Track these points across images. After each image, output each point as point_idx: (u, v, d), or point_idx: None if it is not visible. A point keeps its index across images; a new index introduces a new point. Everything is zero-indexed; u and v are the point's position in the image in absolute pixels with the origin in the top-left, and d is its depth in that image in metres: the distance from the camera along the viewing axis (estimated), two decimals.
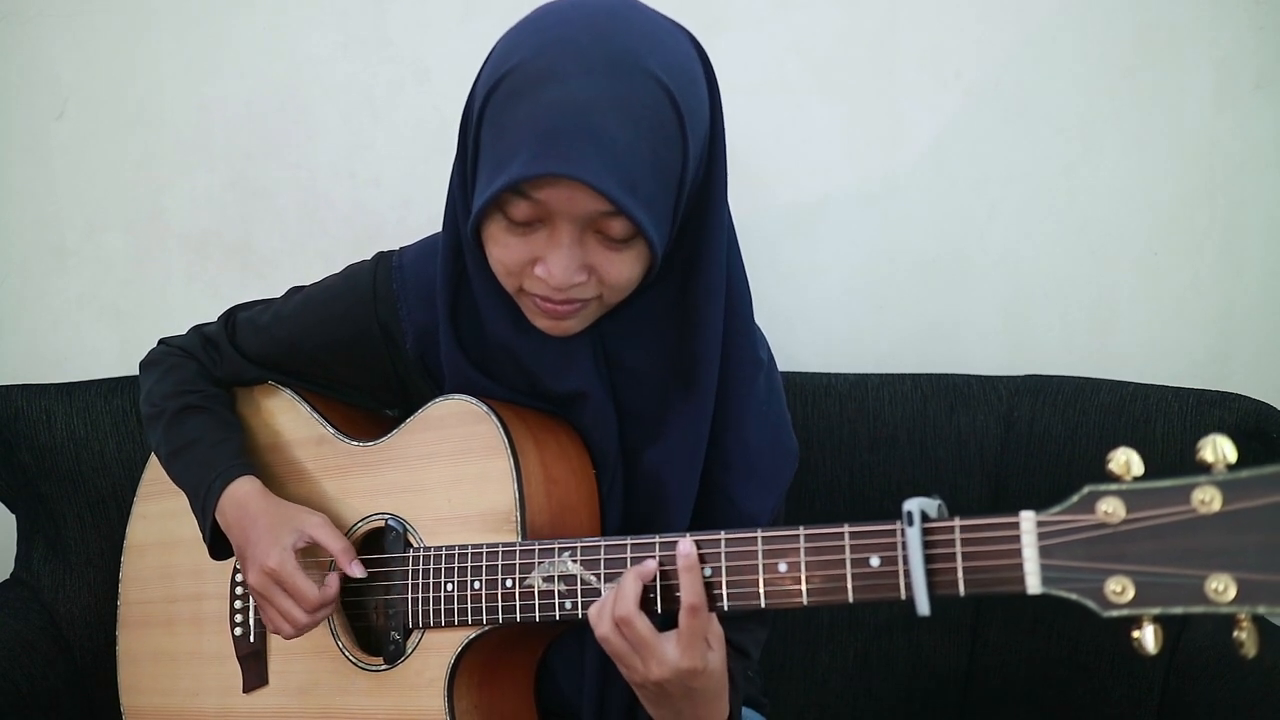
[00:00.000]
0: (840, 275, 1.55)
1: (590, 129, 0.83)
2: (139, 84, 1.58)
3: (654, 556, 0.90)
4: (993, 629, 1.42)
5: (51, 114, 1.60)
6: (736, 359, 1.03)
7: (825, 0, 1.49)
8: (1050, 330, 1.54)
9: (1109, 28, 1.46)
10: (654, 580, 0.90)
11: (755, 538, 0.87)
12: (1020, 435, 1.38)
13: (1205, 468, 0.69)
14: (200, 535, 1.13)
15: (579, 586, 0.95)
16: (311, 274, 1.20)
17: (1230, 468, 0.68)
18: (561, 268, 0.89)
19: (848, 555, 0.83)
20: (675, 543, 0.89)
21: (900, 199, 1.53)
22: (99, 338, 1.64)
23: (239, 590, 1.18)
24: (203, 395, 1.18)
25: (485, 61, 0.93)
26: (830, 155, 1.53)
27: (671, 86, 0.87)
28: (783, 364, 1.12)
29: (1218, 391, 1.32)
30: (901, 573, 0.80)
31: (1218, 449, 0.69)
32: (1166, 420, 1.31)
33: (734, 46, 1.50)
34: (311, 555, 1.09)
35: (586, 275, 0.91)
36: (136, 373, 1.25)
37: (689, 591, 0.86)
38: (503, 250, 0.93)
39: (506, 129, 0.87)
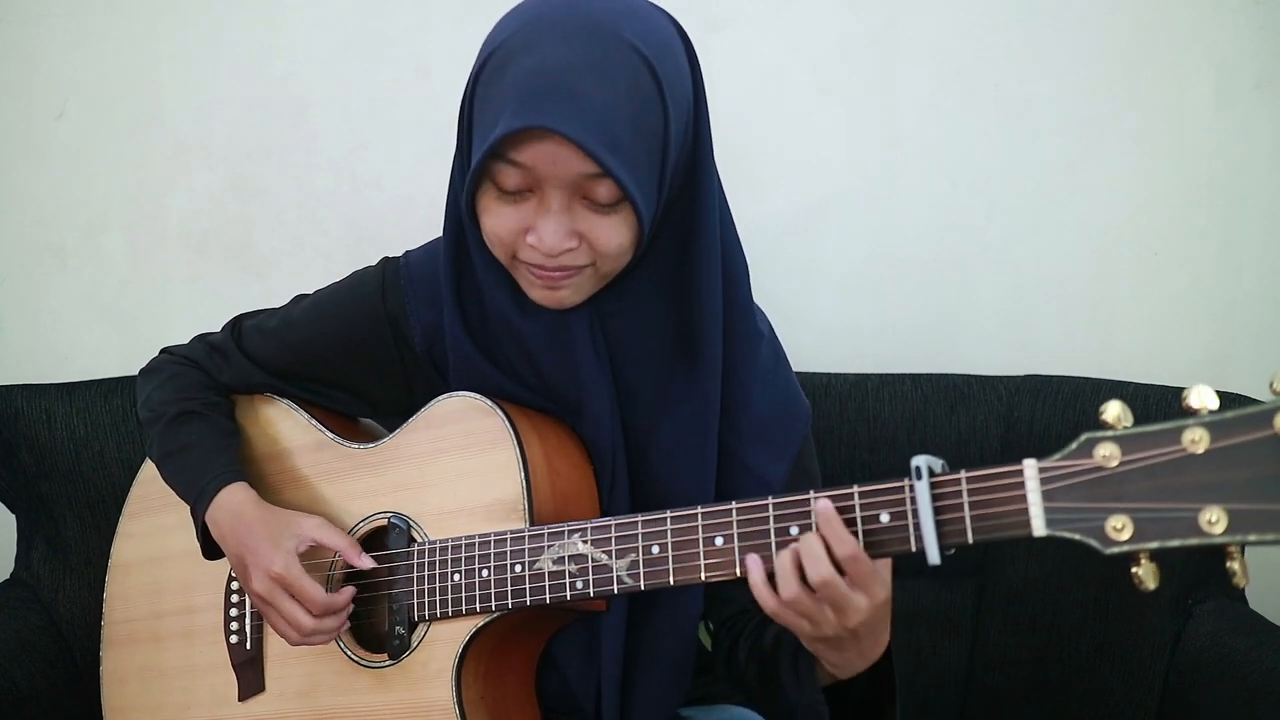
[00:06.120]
0: (840, 275, 1.55)
1: (567, 89, 0.86)
2: (139, 84, 1.58)
3: (666, 530, 0.92)
4: (993, 629, 1.42)
5: (51, 114, 1.60)
6: (739, 331, 1.04)
7: (825, 0, 1.49)
8: (1050, 330, 1.54)
9: (1109, 28, 1.46)
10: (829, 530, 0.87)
11: (767, 504, 0.88)
12: (1020, 435, 1.38)
13: (1191, 413, 0.73)
14: (191, 548, 1.13)
15: (590, 565, 0.95)
16: (311, 274, 1.20)
17: (1213, 413, 0.72)
18: (550, 232, 0.92)
19: (858, 514, 0.84)
20: (696, 515, 0.91)
21: (900, 199, 1.53)
22: (99, 338, 1.64)
23: (234, 599, 1.17)
24: (202, 402, 1.17)
25: (478, 55, 0.95)
26: (830, 155, 1.53)
27: (648, 54, 0.89)
28: None
29: (1218, 391, 1.31)
30: (911, 525, 0.82)
31: (1201, 397, 0.73)
32: (1166, 420, 1.30)
33: (734, 46, 1.50)
34: (311, 562, 1.09)
35: (577, 241, 0.93)
36: (137, 373, 1.25)
37: (841, 544, 0.84)
38: (495, 220, 0.95)
39: (491, 100, 0.90)
